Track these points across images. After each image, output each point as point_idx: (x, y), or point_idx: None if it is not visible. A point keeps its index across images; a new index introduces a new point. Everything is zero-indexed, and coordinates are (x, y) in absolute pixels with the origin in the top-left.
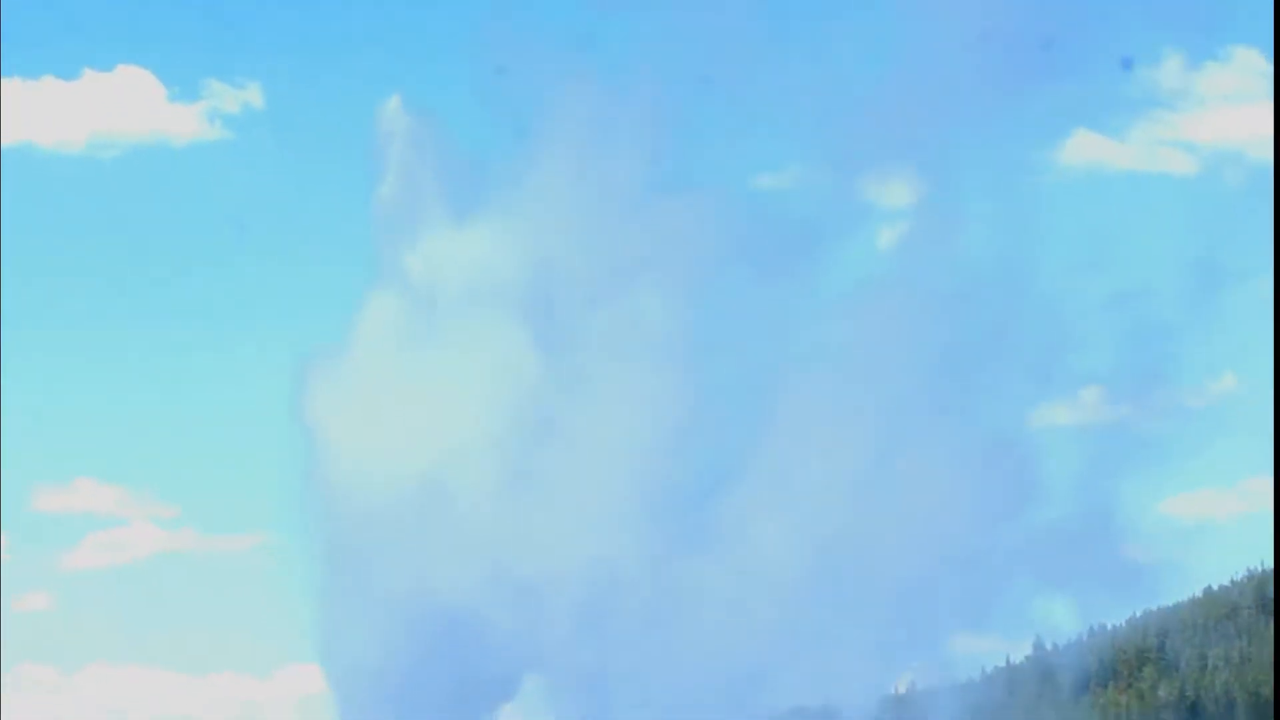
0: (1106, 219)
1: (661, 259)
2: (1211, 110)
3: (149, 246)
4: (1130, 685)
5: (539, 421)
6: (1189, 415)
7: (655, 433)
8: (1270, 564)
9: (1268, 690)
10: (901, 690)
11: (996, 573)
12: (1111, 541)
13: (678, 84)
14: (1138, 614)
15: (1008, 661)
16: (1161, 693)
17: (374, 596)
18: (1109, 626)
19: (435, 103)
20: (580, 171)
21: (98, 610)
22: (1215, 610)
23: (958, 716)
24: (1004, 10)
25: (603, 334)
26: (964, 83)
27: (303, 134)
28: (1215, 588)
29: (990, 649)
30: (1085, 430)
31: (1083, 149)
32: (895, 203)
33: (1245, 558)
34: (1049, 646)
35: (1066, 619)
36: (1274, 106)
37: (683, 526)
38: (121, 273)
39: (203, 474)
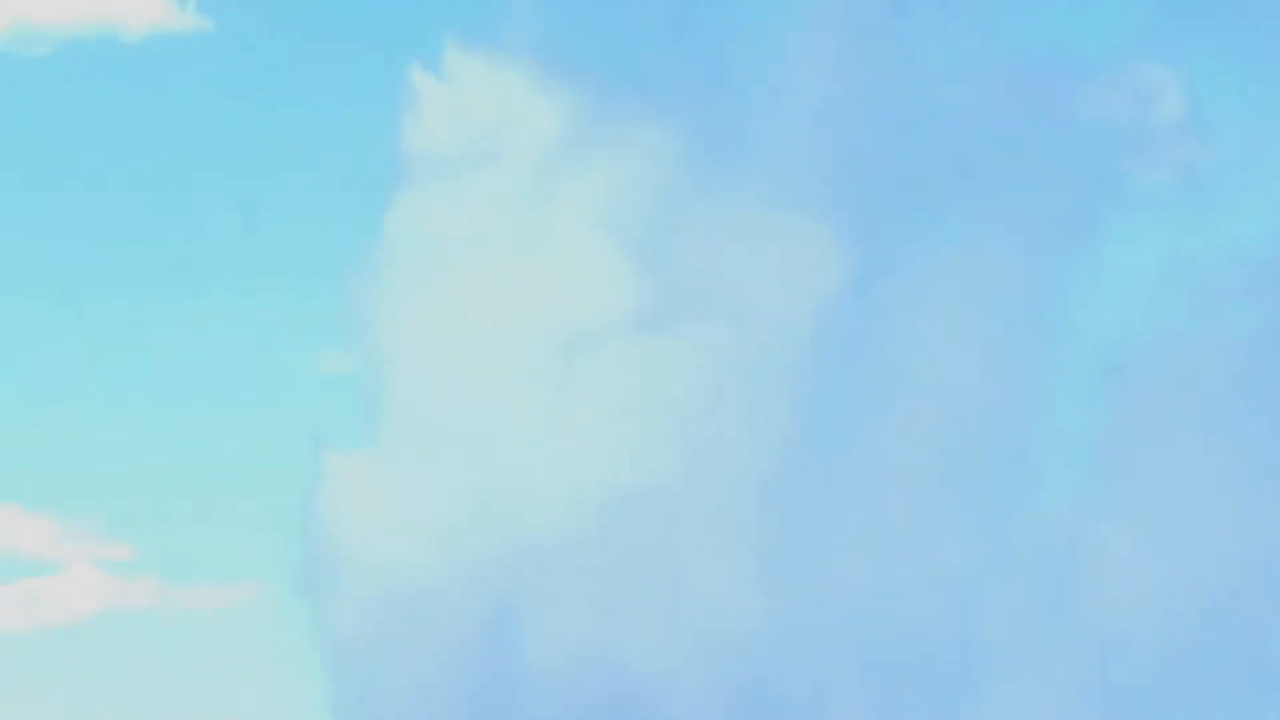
0: None
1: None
2: None
3: (91, 183)
4: None
5: (818, 417)
6: None
7: (999, 422)
8: None
9: None
10: None
11: None
12: None
13: None
14: None
15: None
16: None
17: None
18: None
19: None
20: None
21: (18, 689)
22: None
23: None
24: None
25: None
26: None
27: (324, 25)
28: None
29: None
30: None
31: None
32: None
33: None
34: None
35: None
36: None
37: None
38: (52, 222)
39: (167, 501)
